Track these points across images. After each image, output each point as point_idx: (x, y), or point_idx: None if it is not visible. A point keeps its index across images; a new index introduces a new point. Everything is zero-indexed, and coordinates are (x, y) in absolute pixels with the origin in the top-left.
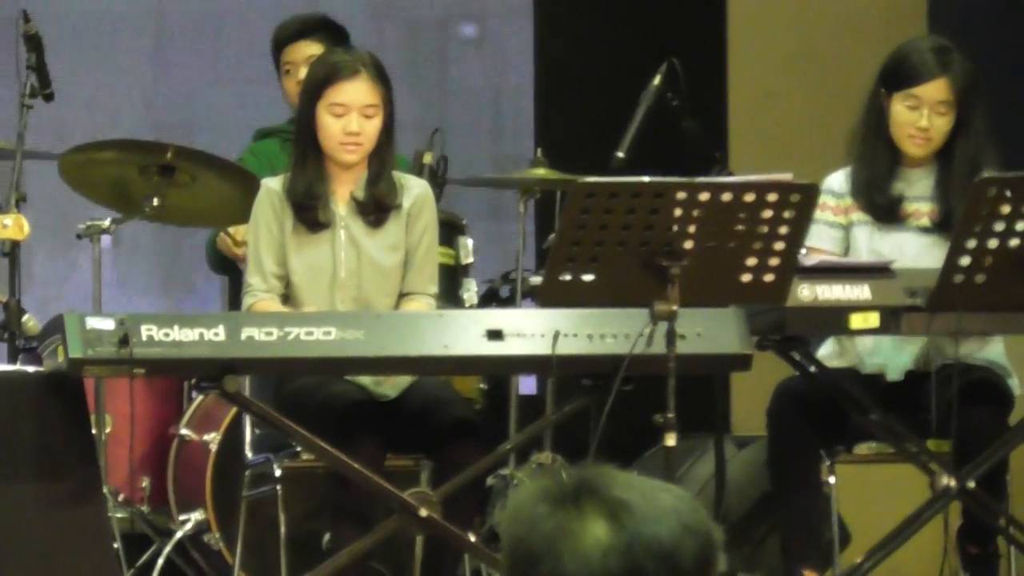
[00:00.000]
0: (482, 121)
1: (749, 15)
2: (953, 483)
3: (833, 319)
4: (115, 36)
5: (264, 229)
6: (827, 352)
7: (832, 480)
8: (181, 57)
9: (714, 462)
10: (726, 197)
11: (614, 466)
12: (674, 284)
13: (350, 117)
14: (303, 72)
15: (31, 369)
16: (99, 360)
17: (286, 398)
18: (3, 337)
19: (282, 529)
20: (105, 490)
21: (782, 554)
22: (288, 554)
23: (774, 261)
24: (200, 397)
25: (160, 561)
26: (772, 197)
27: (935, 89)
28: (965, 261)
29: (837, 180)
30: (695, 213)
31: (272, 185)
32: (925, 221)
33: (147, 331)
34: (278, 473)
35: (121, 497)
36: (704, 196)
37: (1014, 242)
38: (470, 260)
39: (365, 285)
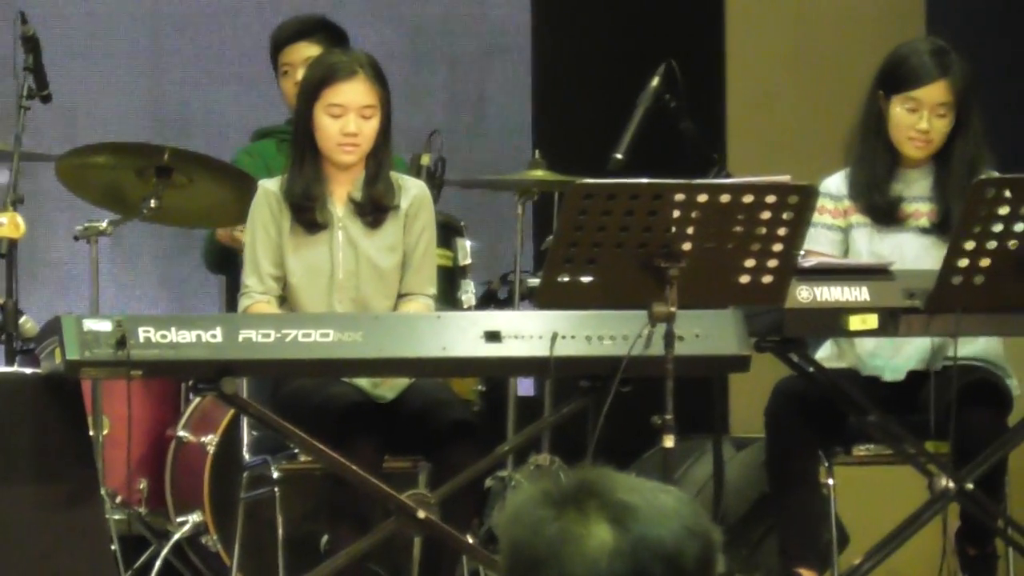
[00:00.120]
0: (480, 123)
1: (747, 17)
2: (952, 484)
3: (831, 320)
4: (114, 37)
5: (261, 230)
6: (825, 354)
7: (831, 482)
8: (179, 58)
9: (712, 464)
10: (724, 198)
11: (612, 468)
12: (672, 285)
13: (348, 118)
14: (301, 73)
15: (28, 371)
16: (96, 362)
17: (284, 400)
18: (0, 339)
19: (280, 531)
20: (102, 492)
21: (780, 554)
22: (286, 556)
23: (772, 262)
24: (197, 399)
25: (158, 563)
26: (770, 198)
27: (935, 92)
28: (963, 262)
29: (835, 183)
30: (693, 214)
31: (269, 186)
32: (924, 222)
33: (144, 333)
34: (276, 475)
35: (119, 499)
36: (702, 197)
37: (1012, 243)
38: (468, 262)
39: (363, 286)
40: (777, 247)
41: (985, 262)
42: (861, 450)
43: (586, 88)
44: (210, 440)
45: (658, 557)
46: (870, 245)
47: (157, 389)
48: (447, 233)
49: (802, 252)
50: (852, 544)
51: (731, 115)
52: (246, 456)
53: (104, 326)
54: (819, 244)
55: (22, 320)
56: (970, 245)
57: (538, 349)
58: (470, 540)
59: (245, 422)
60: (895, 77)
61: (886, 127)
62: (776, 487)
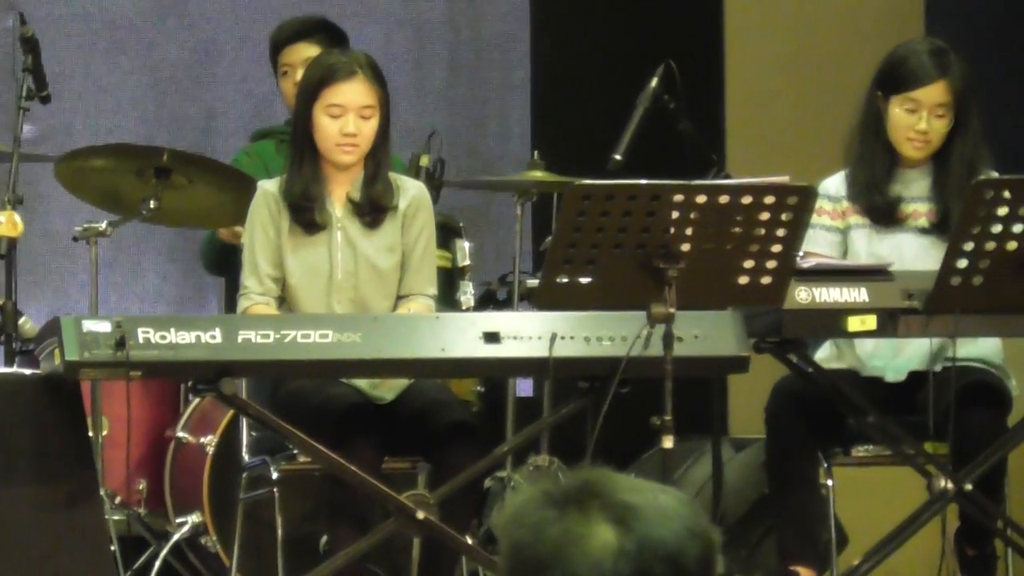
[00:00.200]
0: (479, 124)
1: (746, 17)
2: (951, 485)
3: (830, 321)
4: (113, 37)
5: (260, 231)
6: (824, 355)
7: (830, 482)
8: (179, 59)
9: (711, 464)
10: (723, 199)
11: (611, 468)
12: (671, 286)
13: (347, 118)
14: (301, 73)
15: (28, 372)
16: (96, 363)
17: (283, 401)
18: (0, 339)
19: (279, 531)
20: (102, 493)
21: (778, 553)
22: (285, 556)
23: (771, 263)
24: (197, 400)
25: (157, 564)
26: (769, 199)
27: (934, 92)
28: (962, 263)
29: (833, 184)
30: (692, 215)
31: (268, 187)
32: (923, 222)
33: (143, 334)
34: (275, 476)
35: (118, 500)
36: (701, 198)
37: (1011, 244)
38: (467, 263)
39: (362, 287)
40: (776, 248)
41: (984, 263)
42: (860, 451)
43: (585, 89)
44: (209, 441)
45: (661, 557)
46: (869, 246)
47: (156, 390)
48: (446, 234)
49: (801, 253)
50: (851, 545)
51: (730, 116)
52: (245, 457)
53: (103, 327)
54: (818, 245)
55: (21, 321)
56: (969, 246)
57: (537, 350)
58: (469, 541)
59: (244, 423)
60: (894, 78)
61: (885, 128)
62: (775, 487)
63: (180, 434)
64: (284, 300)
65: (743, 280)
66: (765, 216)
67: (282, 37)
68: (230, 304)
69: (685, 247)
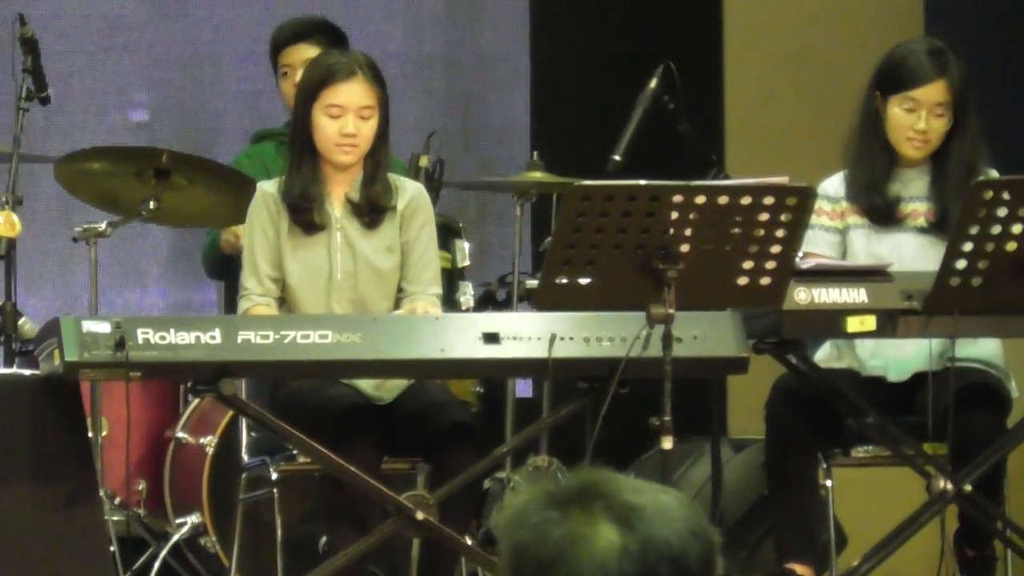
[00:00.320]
0: (478, 124)
1: (745, 18)
2: (950, 486)
3: (830, 322)
4: (113, 38)
5: (259, 232)
6: (824, 355)
7: (829, 483)
8: (178, 59)
9: (710, 465)
10: (722, 200)
11: (610, 469)
12: (670, 287)
13: (346, 119)
14: (301, 74)
15: (27, 372)
16: (95, 363)
17: (282, 401)
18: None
19: (278, 532)
20: (101, 493)
21: (776, 552)
22: (284, 557)
23: (770, 264)
24: (196, 400)
25: (156, 564)
26: (768, 200)
27: (933, 91)
28: (961, 264)
29: (832, 184)
30: (691, 216)
31: (267, 188)
32: (922, 221)
33: (143, 334)
34: (274, 476)
35: (117, 500)
36: (700, 199)
37: (1010, 245)
38: (466, 263)
39: (361, 287)
40: (775, 249)
41: (983, 264)
42: (860, 451)
43: (584, 90)
44: (209, 441)
45: (664, 558)
46: (868, 246)
47: (156, 390)
48: (445, 235)
49: (800, 254)
50: (850, 545)
51: (729, 117)
52: (245, 457)
53: (103, 328)
54: (817, 246)
55: (21, 321)
56: (968, 247)
57: (536, 350)
58: (468, 541)
59: (244, 423)
60: (893, 77)
61: (884, 128)
62: (774, 487)
63: (180, 435)
64: (284, 301)
65: (742, 281)
66: (764, 217)
67: (282, 38)
68: (230, 306)
69: (684, 248)
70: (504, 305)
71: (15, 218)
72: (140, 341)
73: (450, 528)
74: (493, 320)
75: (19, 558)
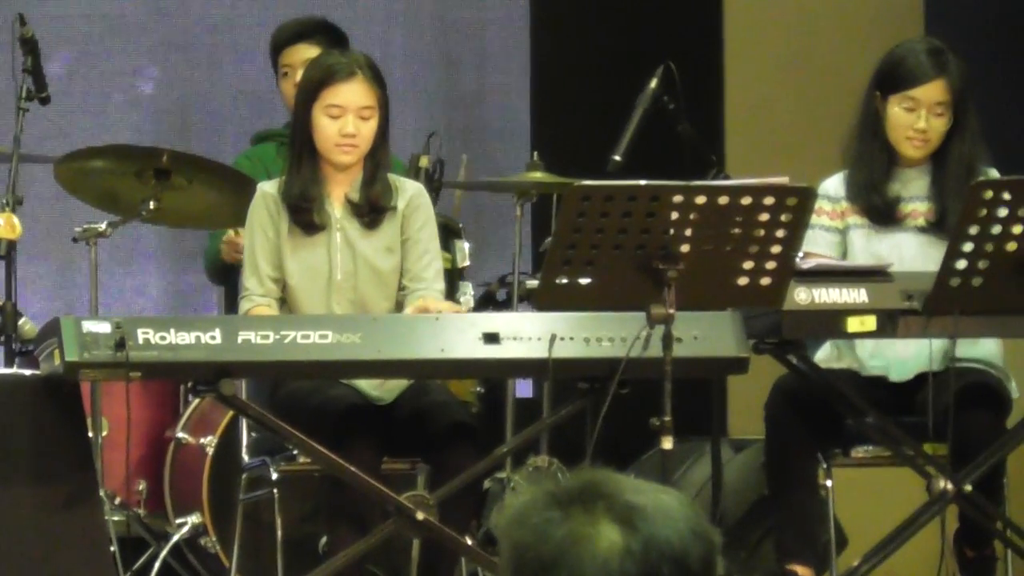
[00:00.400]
0: (479, 125)
1: (745, 19)
2: (950, 487)
3: (830, 322)
4: (113, 38)
5: (260, 232)
6: (824, 355)
7: (829, 483)
8: (178, 59)
9: (710, 465)
10: (723, 200)
11: (611, 469)
12: (670, 287)
13: (346, 119)
14: (301, 75)
15: (27, 372)
16: (95, 363)
17: (282, 401)
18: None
19: (279, 532)
20: (101, 493)
21: (776, 553)
22: (284, 557)
23: (771, 264)
24: (196, 400)
25: (157, 564)
26: (769, 200)
27: (932, 91)
28: (962, 264)
29: (832, 184)
30: (691, 216)
31: (267, 188)
32: (922, 221)
33: (143, 334)
34: (275, 476)
35: (117, 500)
36: (700, 199)
37: (1011, 245)
38: (466, 264)
39: (361, 287)
40: (775, 249)
41: (983, 264)
42: (860, 452)
43: (584, 90)
44: (209, 441)
45: (666, 558)
46: (868, 245)
47: (156, 391)
48: (445, 235)
49: (800, 254)
50: (851, 546)
51: (729, 117)
52: (245, 458)
53: (103, 328)
54: (817, 245)
55: (21, 322)
56: (968, 247)
57: (536, 351)
58: (469, 542)
59: (244, 424)
60: (892, 77)
61: (883, 127)
62: (774, 487)
63: (180, 435)
64: (285, 301)
65: (742, 281)
66: (764, 217)
67: (282, 38)
68: (230, 305)
69: (684, 248)
70: (504, 305)
71: (16, 220)
72: (140, 341)
73: (450, 528)
74: (493, 320)
75: (19, 558)
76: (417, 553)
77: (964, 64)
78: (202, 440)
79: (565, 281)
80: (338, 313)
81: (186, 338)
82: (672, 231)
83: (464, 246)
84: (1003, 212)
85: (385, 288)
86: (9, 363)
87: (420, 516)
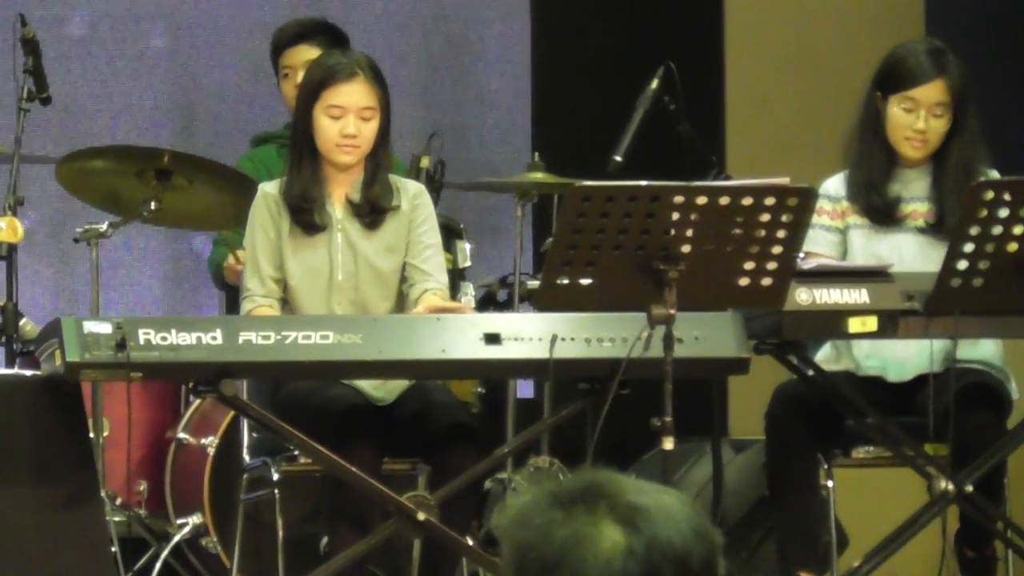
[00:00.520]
0: (479, 125)
1: (746, 19)
2: (951, 487)
3: (831, 323)
4: (114, 39)
5: (261, 233)
6: (823, 357)
7: (830, 484)
8: (179, 60)
9: (711, 466)
10: (723, 201)
11: (612, 470)
12: (671, 288)
13: (347, 119)
14: (302, 75)
15: (28, 373)
16: (96, 364)
17: (283, 402)
18: (0, 341)
19: (280, 533)
20: (102, 494)
21: (779, 557)
22: (286, 558)
23: (772, 265)
24: (197, 401)
25: (158, 565)
26: (770, 201)
27: (932, 91)
28: (962, 265)
29: (833, 184)
30: (692, 217)
31: (268, 189)
32: (921, 222)
33: (144, 335)
34: (276, 477)
35: (118, 501)
36: (701, 200)
37: (1011, 246)
38: (467, 264)
39: (362, 287)
40: (776, 249)
41: (984, 265)
42: (860, 452)
43: (585, 90)
44: (210, 442)
45: (668, 558)
46: (868, 246)
47: (157, 391)
48: (447, 235)
49: (801, 254)
50: (851, 546)
51: (730, 117)
52: (246, 458)
53: (104, 328)
54: (817, 245)
55: (22, 322)
56: (969, 248)
57: (537, 351)
58: (469, 542)
59: (245, 424)
60: (892, 77)
61: (884, 127)
62: (775, 490)
63: (181, 435)
64: (286, 301)
65: (743, 281)
66: (765, 217)
67: (283, 39)
68: (231, 306)
69: (685, 248)
70: (505, 306)
71: (18, 224)
72: (141, 341)
73: (451, 529)
74: (494, 321)
75: (20, 558)
76: (418, 554)
77: (965, 65)
78: (203, 440)
79: (566, 282)
80: (339, 313)
81: (187, 338)
82: (673, 231)
83: (465, 247)
84: (1004, 213)
85: (386, 288)
86: (10, 363)
87: (421, 516)
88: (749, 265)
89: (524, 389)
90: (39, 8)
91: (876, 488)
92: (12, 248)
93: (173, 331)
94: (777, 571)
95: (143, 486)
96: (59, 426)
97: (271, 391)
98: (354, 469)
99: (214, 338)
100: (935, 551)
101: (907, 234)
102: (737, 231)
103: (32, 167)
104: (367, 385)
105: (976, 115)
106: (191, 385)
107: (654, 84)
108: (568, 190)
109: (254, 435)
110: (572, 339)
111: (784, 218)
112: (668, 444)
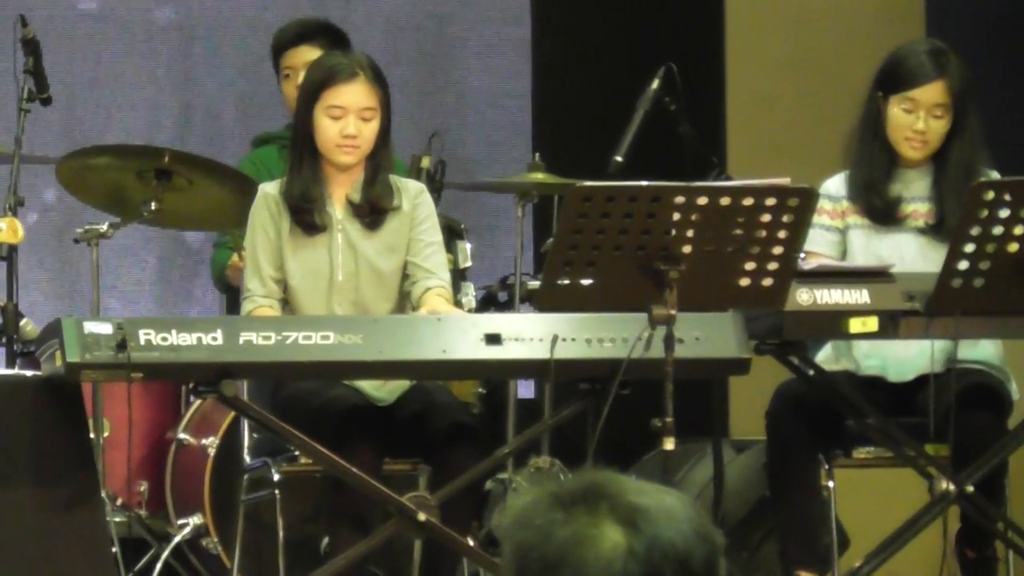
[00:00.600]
0: (480, 125)
1: (747, 20)
2: (952, 487)
3: (831, 323)
4: (115, 39)
5: (261, 233)
6: (823, 357)
7: (831, 484)
8: (180, 60)
9: (712, 466)
10: (724, 201)
11: (613, 470)
12: (672, 288)
13: (347, 120)
14: (303, 76)
15: (29, 373)
16: (97, 364)
17: (284, 402)
18: (1, 341)
19: (280, 533)
20: (103, 494)
21: (780, 557)
22: (286, 558)
23: (772, 265)
24: (198, 401)
25: (158, 565)
26: (770, 201)
27: (932, 92)
28: (963, 265)
29: (834, 184)
30: (693, 217)
31: (269, 189)
32: (921, 223)
33: (145, 335)
34: (276, 477)
35: (119, 501)
36: (702, 200)
37: (1012, 246)
38: (468, 264)
39: (363, 288)
40: (777, 250)
41: (985, 265)
42: (861, 452)
43: (586, 91)
44: (210, 442)
45: (669, 559)
46: (868, 246)
47: (157, 391)
48: (447, 235)
49: (802, 255)
50: (852, 547)
51: (731, 118)
52: (246, 458)
53: (105, 329)
54: (816, 245)
55: (23, 323)
56: (970, 248)
57: (538, 351)
58: (470, 543)
59: (245, 425)
60: (893, 77)
61: (884, 128)
62: (776, 490)
63: (181, 436)
64: (286, 302)
65: (744, 282)
66: (766, 218)
67: (284, 40)
68: (232, 309)
69: (686, 249)
70: (506, 306)
71: (19, 224)
72: (142, 342)
73: (451, 529)
74: (495, 321)
75: (20, 559)
76: (418, 554)
77: (966, 66)
78: (203, 441)
79: (567, 282)
80: (339, 314)
81: (187, 339)
82: (674, 232)
83: (466, 247)
84: (1004, 213)
85: (386, 289)
86: (11, 364)
87: (421, 517)
88: (750, 265)
89: (525, 389)
90: (39, 9)
91: (877, 488)
92: (13, 249)
93: (173, 331)
94: (778, 572)
95: (144, 487)
96: (60, 427)
97: (271, 391)
98: (355, 470)
99: (215, 338)
100: (936, 552)
101: (907, 234)
102: (738, 231)
103: (33, 167)
104: (368, 386)
105: (977, 116)
106: (191, 385)
107: (655, 84)
108: (569, 190)
109: (254, 436)
110: (573, 339)
111: (785, 218)
112: (669, 445)
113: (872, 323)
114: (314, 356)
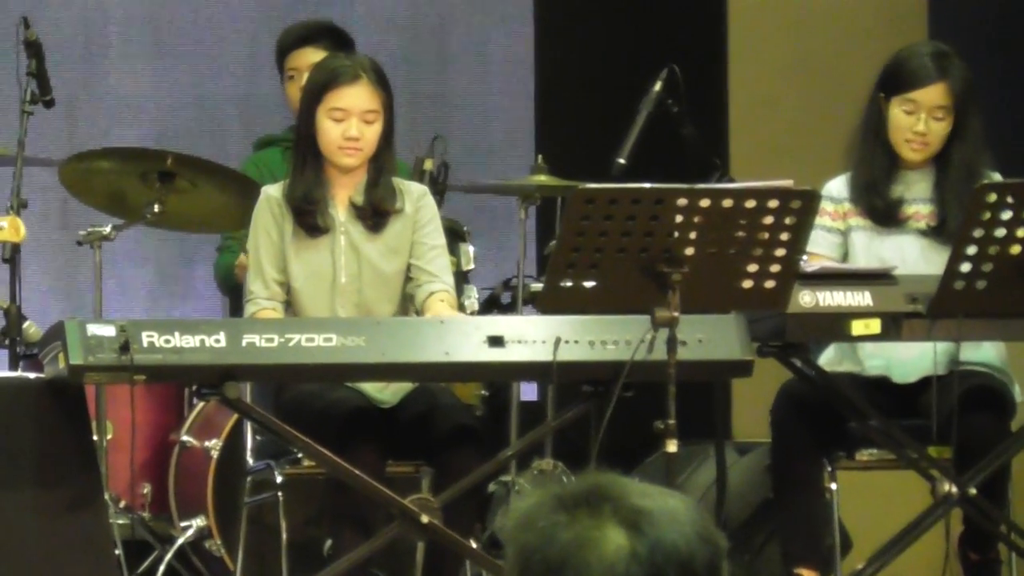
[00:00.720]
0: (483, 127)
1: (749, 22)
2: (954, 490)
3: (834, 325)
4: (117, 41)
5: (264, 235)
6: (826, 359)
7: (834, 486)
8: (182, 62)
9: (715, 469)
10: (727, 203)
11: (616, 472)
12: (675, 290)
13: (350, 122)
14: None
15: (32, 376)
16: (100, 367)
17: (286, 404)
18: (4, 343)
19: (283, 535)
20: (106, 497)
21: (782, 557)
22: (289, 561)
23: (775, 267)
24: (201, 404)
25: (161, 568)
26: (773, 203)
27: (933, 94)
28: (966, 267)
29: (836, 186)
30: (696, 219)
31: (271, 191)
32: (923, 224)
33: (148, 337)
34: (279, 479)
35: (122, 504)
36: (705, 202)
37: (1015, 248)
38: (471, 267)
39: (366, 290)
40: (780, 252)
41: (987, 267)
42: (864, 455)
43: (588, 93)
44: (213, 445)
45: (672, 562)
46: (870, 247)
47: (160, 394)
48: (450, 238)
49: (804, 256)
50: (855, 549)
51: (733, 120)
52: (249, 461)
53: (108, 331)
54: (818, 246)
55: (25, 325)
56: (972, 250)
57: (541, 354)
58: (473, 545)
59: (248, 427)
60: (895, 79)
61: (886, 129)
62: (779, 491)
63: (184, 438)
64: (289, 304)
65: (747, 284)
66: (769, 220)
67: (288, 42)
68: (235, 311)
69: (689, 251)
70: (509, 308)
71: (21, 224)
72: (145, 344)
73: (454, 531)
74: (498, 323)
75: (23, 561)
76: (421, 556)
77: (968, 69)
78: (207, 443)
79: (569, 284)
80: (342, 316)
81: (191, 341)
82: (676, 234)
83: (469, 249)
84: (1007, 215)
85: (389, 291)
86: (14, 366)
87: (424, 519)
88: (752, 267)
89: (528, 392)
90: (40, 10)
91: (880, 490)
92: (16, 249)
93: (176, 334)
94: (781, 574)
95: (147, 489)
96: (63, 429)
97: (274, 394)
98: (357, 472)
99: (217, 341)
100: (939, 554)
101: (909, 236)
102: (740, 233)
103: (35, 169)
104: (371, 388)
105: (980, 118)
106: (194, 388)
107: (657, 87)
108: (571, 193)
109: (257, 438)
110: (576, 342)
111: (787, 220)
112: (672, 447)
113: (874, 325)
114: (317, 358)
